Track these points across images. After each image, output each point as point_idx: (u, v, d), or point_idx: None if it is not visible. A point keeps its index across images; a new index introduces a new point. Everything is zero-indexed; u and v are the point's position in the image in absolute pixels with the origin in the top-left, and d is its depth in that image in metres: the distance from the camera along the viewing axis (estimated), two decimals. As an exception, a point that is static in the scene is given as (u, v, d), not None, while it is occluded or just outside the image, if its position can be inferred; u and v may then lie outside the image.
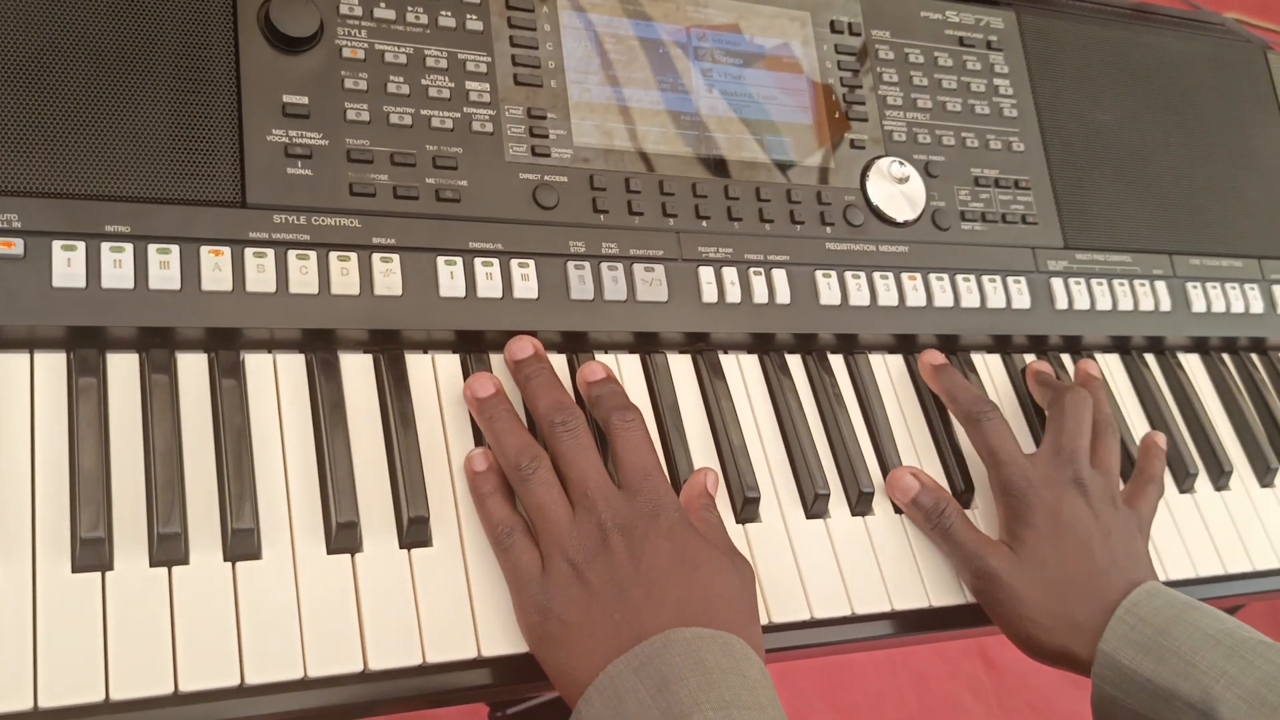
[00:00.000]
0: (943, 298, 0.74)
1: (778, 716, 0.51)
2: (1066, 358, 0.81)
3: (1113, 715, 0.62)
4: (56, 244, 0.53)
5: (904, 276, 0.73)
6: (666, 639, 0.52)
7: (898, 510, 0.69)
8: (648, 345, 0.67)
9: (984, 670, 1.62)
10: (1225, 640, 0.60)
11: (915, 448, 0.72)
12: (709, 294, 0.67)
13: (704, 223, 0.69)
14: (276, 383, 0.58)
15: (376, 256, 0.60)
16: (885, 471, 0.70)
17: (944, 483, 0.71)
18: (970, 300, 0.75)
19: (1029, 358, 0.79)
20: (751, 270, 0.69)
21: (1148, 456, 0.75)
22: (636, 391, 0.66)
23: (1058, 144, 0.83)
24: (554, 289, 0.63)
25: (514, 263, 0.63)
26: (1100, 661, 0.62)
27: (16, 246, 0.52)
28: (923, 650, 1.62)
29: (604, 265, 0.65)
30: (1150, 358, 0.85)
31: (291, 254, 0.58)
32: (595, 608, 0.54)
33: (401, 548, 0.56)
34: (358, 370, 0.60)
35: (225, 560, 0.52)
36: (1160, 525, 0.76)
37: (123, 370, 0.55)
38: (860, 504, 0.67)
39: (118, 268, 0.54)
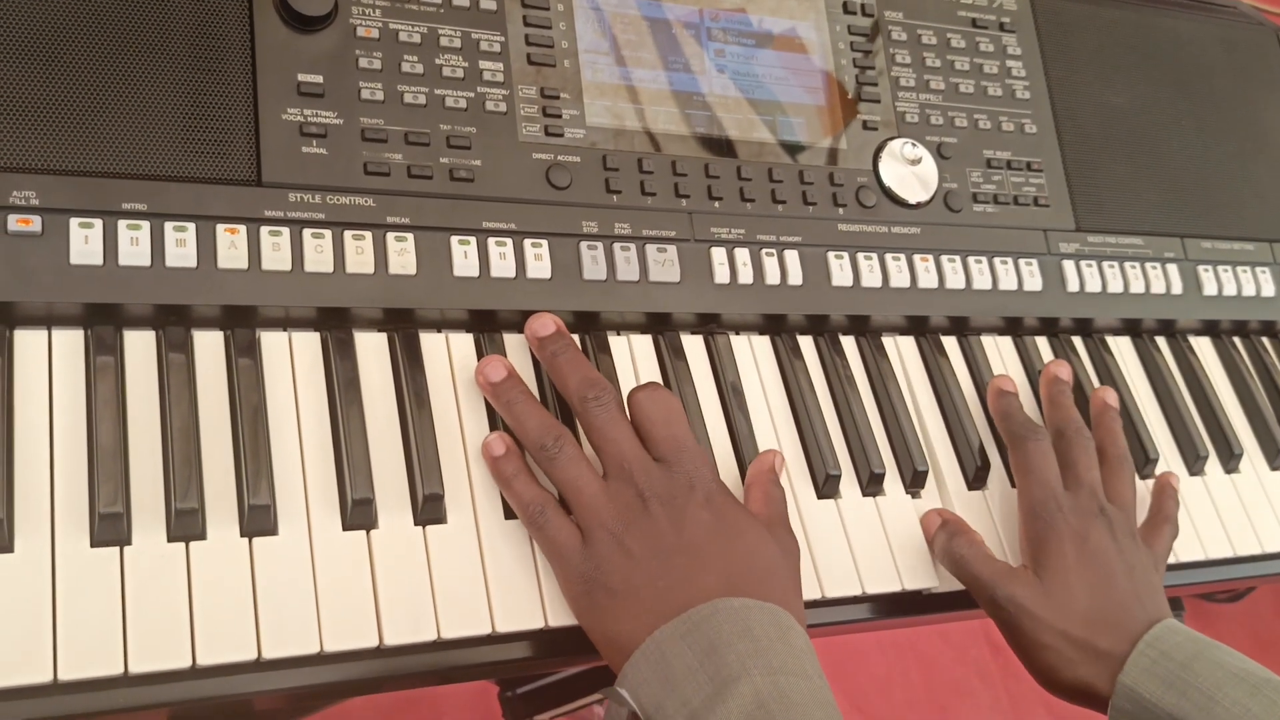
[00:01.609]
0: (954, 279, 0.74)
1: (822, 686, 0.51)
2: (1078, 340, 0.81)
3: None
4: (74, 221, 0.54)
5: (916, 258, 0.73)
6: (714, 607, 0.52)
7: (908, 491, 0.69)
8: (660, 326, 0.67)
9: (991, 655, 1.62)
10: (1248, 679, 0.59)
11: (927, 429, 0.72)
12: (721, 275, 0.67)
13: (716, 204, 0.69)
14: (292, 360, 0.58)
15: (391, 235, 0.60)
16: (896, 452, 0.70)
17: (955, 463, 0.71)
18: (982, 282, 0.75)
19: (1040, 340, 0.79)
20: (764, 251, 0.69)
21: (1162, 497, 0.73)
22: (649, 372, 0.66)
23: (1070, 126, 0.82)
24: (567, 269, 0.64)
25: (527, 242, 0.63)
26: (1120, 694, 0.61)
27: (34, 224, 0.53)
28: (929, 635, 1.62)
29: (617, 245, 0.65)
30: (1161, 340, 0.85)
31: (306, 232, 0.58)
32: (638, 575, 0.54)
33: (416, 525, 0.56)
34: (372, 348, 0.60)
35: (242, 536, 0.53)
36: (1170, 507, 0.76)
37: (140, 347, 0.55)
38: (871, 485, 0.68)
39: (134, 245, 0.54)
